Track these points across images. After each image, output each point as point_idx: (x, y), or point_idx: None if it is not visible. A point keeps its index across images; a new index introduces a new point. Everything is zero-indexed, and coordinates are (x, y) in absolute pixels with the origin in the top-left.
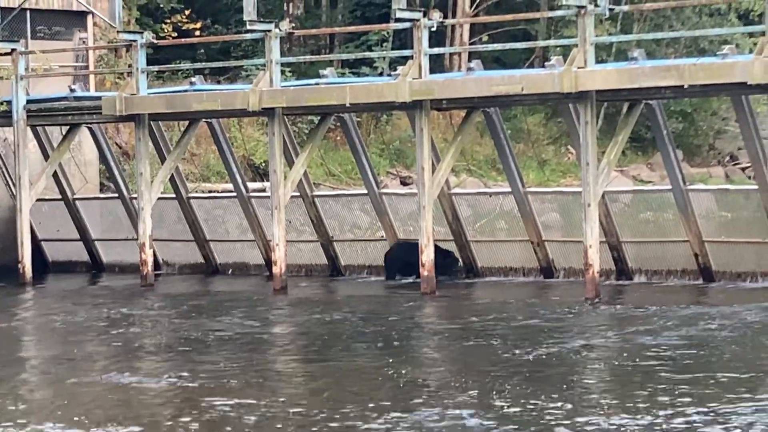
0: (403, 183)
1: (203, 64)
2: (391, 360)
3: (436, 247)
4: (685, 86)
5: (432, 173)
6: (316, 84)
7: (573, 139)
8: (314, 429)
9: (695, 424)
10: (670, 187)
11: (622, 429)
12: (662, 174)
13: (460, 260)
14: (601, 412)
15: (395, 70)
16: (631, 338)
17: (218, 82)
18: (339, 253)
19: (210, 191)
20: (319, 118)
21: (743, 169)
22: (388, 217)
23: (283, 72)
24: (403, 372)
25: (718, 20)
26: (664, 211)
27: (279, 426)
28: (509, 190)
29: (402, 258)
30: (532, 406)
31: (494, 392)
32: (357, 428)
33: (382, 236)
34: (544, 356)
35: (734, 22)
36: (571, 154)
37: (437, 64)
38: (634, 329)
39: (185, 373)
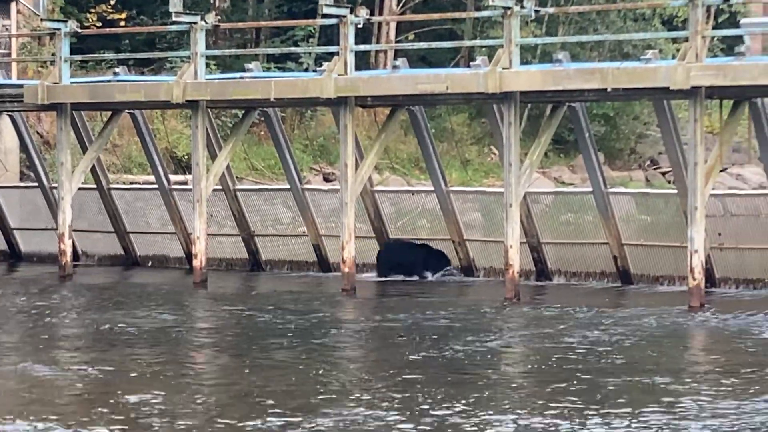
0: (326, 179)
1: (127, 54)
2: (306, 357)
3: (428, 247)
4: (608, 89)
5: (355, 170)
6: (241, 78)
7: (496, 140)
8: (226, 422)
9: (605, 424)
10: (591, 189)
11: (530, 428)
12: (584, 176)
13: (455, 261)
14: (512, 411)
15: (321, 66)
16: (548, 338)
17: (142, 74)
18: (260, 248)
19: (131, 183)
20: (243, 112)
21: (663, 174)
22: (310, 213)
23: (208, 65)
24: (318, 369)
25: (642, 25)
26: (584, 214)
27: (190, 420)
28: (432, 188)
29: (393, 257)
30: (445, 405)
31: (408, 391)
32: (268, 423)
33: (304, 232)
34: (460, 355)
35: (658, 28)
36: (494, 154)
37: (363, 62)
38: (551, 330)
39: (101, 365)
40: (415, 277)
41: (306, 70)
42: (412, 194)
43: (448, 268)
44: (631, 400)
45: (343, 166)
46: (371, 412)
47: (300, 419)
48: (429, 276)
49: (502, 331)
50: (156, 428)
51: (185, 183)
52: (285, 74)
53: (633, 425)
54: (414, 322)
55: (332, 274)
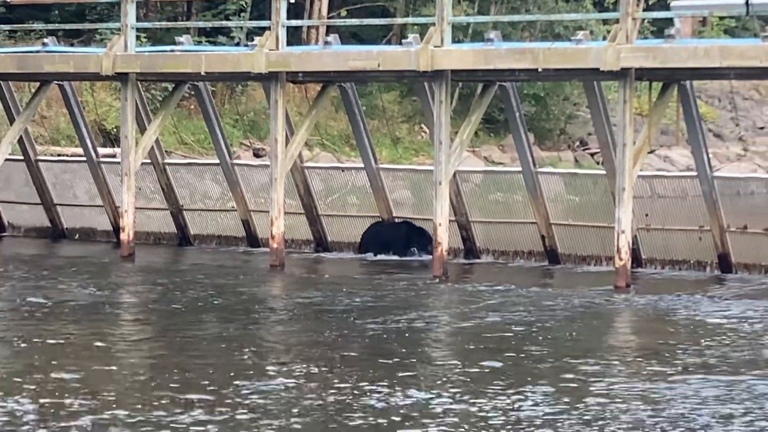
0: (256, 155)
1: (57, 25)
2: (231, 331)
3: (410, 224)
4: (539, 70)
5: (285, 146)
6: (172, 51)
7: (427, 118)
8: (147, 396)
9: (525, 404)
10: (520, 169)
11: (453, 408)
12: (513, 156)
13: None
14: (436, 390)
15: (252, 40)
16: (474, 317)
17: (72, 45)
18: (189, 222)
19: (59, 155)
20: (173, 85)
21: (592, 155)
22: (239, 188)
23: (138, 38)
24: (243, 344)
25: (573, 6)
26: (513, 193)
27: (111, 394)
28: (362, 165)
29: (375, 236)
30: (369, 383)
31: (332, 369)
32: (189, 397)
33: (233, 207)
34: (385, 333)
35: (589, 9)
36: (424, 132)
37: (295, 37)
38: (478, 309)
39: (25, 339)
40: (395, 257)
41: (237, 44)
42: (342, 171)
43: (430, 246)
44: (553, 380)
45: (273, 142)
46: (293, 388)
47: (221, 394)
48: (415, 253)
49: (429, 309)
50: (76, 402)
51: (114, 156)
52: (216, 48)
53: (553, 405)
54: (341, 300)
55: (261, 249)
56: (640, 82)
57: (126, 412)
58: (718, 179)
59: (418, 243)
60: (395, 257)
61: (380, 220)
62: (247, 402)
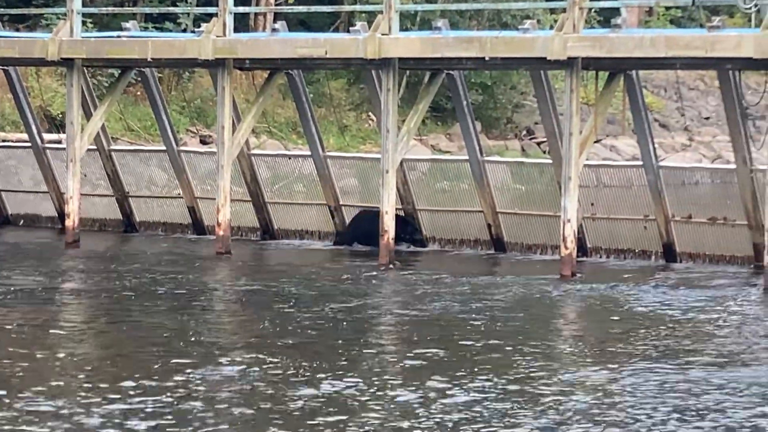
0: (203, 142)
1: (2, 10)
2: (176, 319)
3: (397, 216)
4: (486, 58)
5: (232, 133)
6: (118, 37)
7: (374, 106)
8: (91, 384)
9: (467, 392)
10: (467, 157)
11: (396, 397)
12: (460, 144)
13: (423, 229)
14: (379, 378)
15: (199, 27)
16: (419, 306)
17: (17, 30)
18: (134, 209)
19: (4, 140)
20: (119, 71)
21: (539, 144)
22: (186, 175)
23: (84, 23)
24: (188, 331)
25: None
26: (460, 181)
27: (57, 381)
28: (309, 153)
29: (360, 226)
30: (314, 372)
31: (277, 356)
32: (134, 385)
33: (179, 194)
34: (331, 321)
35: None
36: (372, 120)
37: (242, 24)
38: (424, 297)
39: None
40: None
41: (184, 30)
42: (289, 158)
43: (417, 237)
44: (496, 368)
45: (220, 129)
46: (239, 376)
47: (164, 381)
48: (400, 245)
49: (374, 297)
50: (21, 391)
51: (59, 142)
52: (163, 34)
53: (495, 394)
54: (287, 287)
55: (207, 236)
56: (586, 72)
57: (68, 400)
58: (664, 169)
59: (405, 234)
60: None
61: (367, 210)
62: (190, 390)
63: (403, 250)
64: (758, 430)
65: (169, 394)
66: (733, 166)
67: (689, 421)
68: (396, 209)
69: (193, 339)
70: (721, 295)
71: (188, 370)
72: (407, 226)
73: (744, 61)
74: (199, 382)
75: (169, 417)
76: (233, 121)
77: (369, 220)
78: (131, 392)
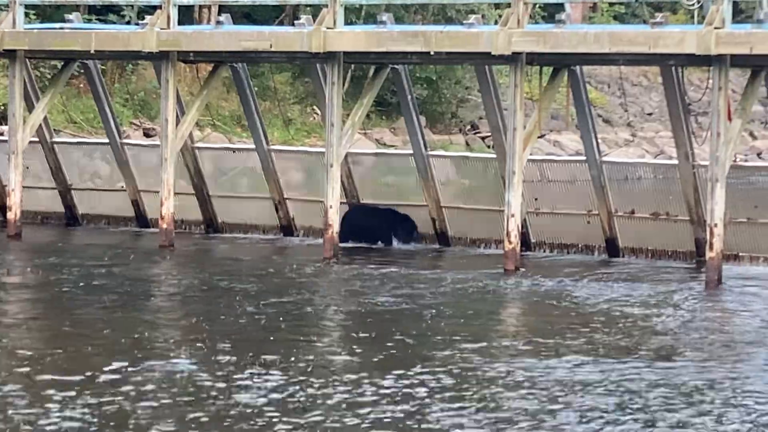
0: (147, 134)
1: None
2: (119, 313)
3: (393, 211)
4: (431, 53)
5: (176, 126)
6: (61, 29)
7: (319, 100)
8: (37, 377)
9: (401, 387)
10: (411, 152)
11: (328, 389)
12: (405, 139)
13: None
14: (321, 373)
15: (143, 19)
16: (363, 300)
17: None
18: (77, 202)
19: None
20: (62, 63)
21: (483, 138)
22: (129, 168)
23: (27, 14)
24: (131, 325)
25: None
26: (405, 176)
27: (1, 376)
28: (253, 147)
29: (356, 222)
30: (258, 366)
31: (221, 350)
32: (79, 378)
33: (122, 187)
34: (275, 314)
35: None
36: (316, 114)
37: (186, 17)
38: (367, 291)
39: None
40: (380, 244)
41: (128, 23)
42: (234, 152)
43: (415, 233)
44: (439, 362)
45: (164, 122)
46: (184, 369)
47: (105, 376)
48: (395, 243)
49: (318, 290)
50: None
51: (1, 134)
52: (106, 26)
53: (438, 388)
54: (230, 281)
55: (150, 229)
56: (530, 67)
57: (5, 394)
58: (607, 164)
59: (401, 231)
60: (371, 245)
61: (359, 205)
62: (130, 384)
63: (350, 245)
64: (688, 426)
65: (107, 389)
66: (675, 161)
67: (622, 416)
68: (395, 205)
69: (133, 333)
70: (663, 290)
71: (128, 365)
72: (406, 222)
73: (687, 58)
74: (138, 377)
75: (108, 411)
76: (177, 114)
77: (362, 215)
78: (69, 387)
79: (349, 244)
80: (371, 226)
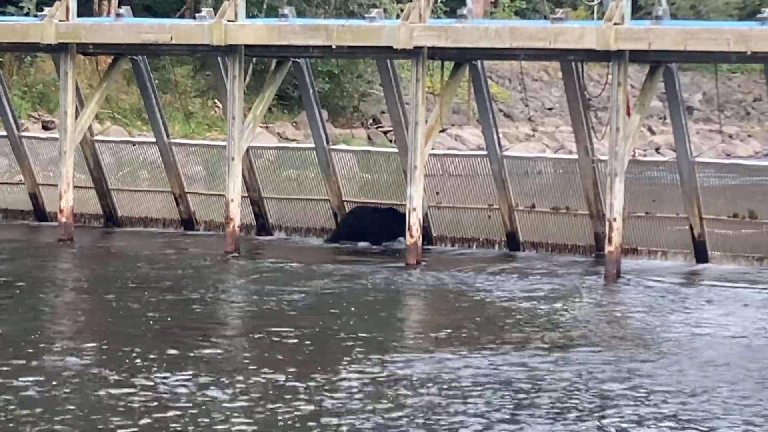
0: (45, 127)
1: None
2: (16, 307)
3: (394, 210)
4: (333, 47)
5: (75, 119)
6: None
7: (220, 93)
8: None
9: (299, 385)
10: (313, 146)
11: (237, 390)
12: (307, 133)
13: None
14: (222, 368)
15: (42, 11)
16: (263, 294)
17: None
18: None
19: None
20: None
21: (385, 133)
22: (27, 161)
23: None
24: (27, 319)
25: None
26: (306, 170)
27: None
28: (154, 140)
29: (353, 223)
30: (156, 362)
31: (117, 345)
32: None
33: (20, 180)
34: (175, 309)
35: None
36: (218, 107)
37: (86, 9)
38: (268, 285)
39: None
40: (367, 244)
41: (27, 14)
42: (134, 145)
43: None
44: (335, 358)
45: (63, 115)
46: (79, 367)
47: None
48: (401, 242)
49: (219, 284)
50: None
51: None
52: (4, 18)
53: (333, 386)
54: (132, 275)
55: (49, 223)
56: (432, 61)
57: None
58: (508, 159)
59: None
60: (373, 246)
61: (360, 205)
62: (20, 381)
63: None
64: (588, 418)
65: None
66: (575, 156)
67: (516, 408)
68: (398, 205)
69: (26, 329)
70: (562, 283)
71: (19, 361)
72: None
73: (586, 53)
74: (29, 374)
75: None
76: (76, 106)
77: (364, 217)
78: None
79: (340, 244)
80: (370, 227)
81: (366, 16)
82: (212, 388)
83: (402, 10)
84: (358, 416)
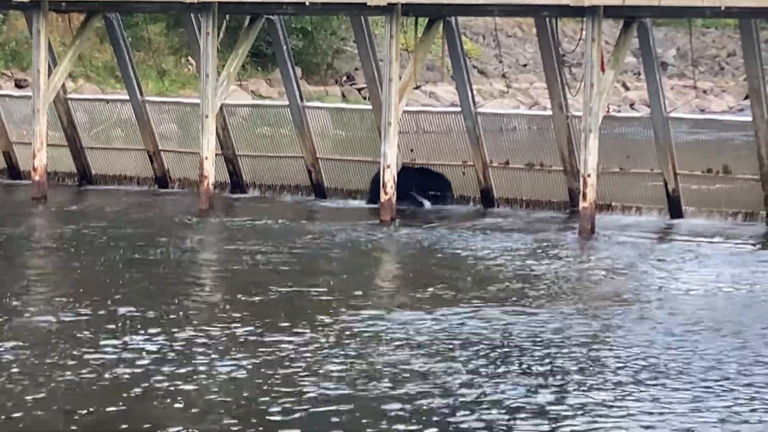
0: (18, 86)
1: None
2: None
3: (427, 170)
4: (307, 3)
5: (48, 77)
6: None
7: (194, 51)
8: None
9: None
10: (287, 103)
11: (215, 345)
12: (281, 90)
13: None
14: (198, 325)
15: None
16: (237, 252)
17: None
18: None
19: None
20: None
21: (359, 90)
22: (0, 120)
23: None
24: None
25: None
26: (280, 127)
27: None
28: (127, 98)
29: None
30: (133, 317)
31: (95, 301)
32: None
33: None
34: (149, 265)
35: None
36: (191, 65)
37: None
38: (242, 243)
39: None
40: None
41: None
42: (107, 103)
43: (448, 193)
44: (315, 315)
45: (36, 73)
46: (56, 321)
47: None
48: (426, 204)
49: (193, 242)
50: None
51: None
52: None
53: (311, 342)
54: (106, 232)
55: (23, 181)
56: (406, 18)
57: None
58: (482, 115)
59: (436, 190)
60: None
61: (407, 166)
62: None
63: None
64: (557, 371)
65: None
66: (549, 112)
67: (490, 364)
68: (425, 165)
69: (0, 288)
70: (537, 239)
71: (6, 318)
72: (439, 180)
73: (560, 9)
74: (6, 334)
75: None
76: (49, 64)
77: (401, 176)
78: None
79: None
80: (404, 186)
81: None
82: (195, 342)
83: None
84: (327, 371)
